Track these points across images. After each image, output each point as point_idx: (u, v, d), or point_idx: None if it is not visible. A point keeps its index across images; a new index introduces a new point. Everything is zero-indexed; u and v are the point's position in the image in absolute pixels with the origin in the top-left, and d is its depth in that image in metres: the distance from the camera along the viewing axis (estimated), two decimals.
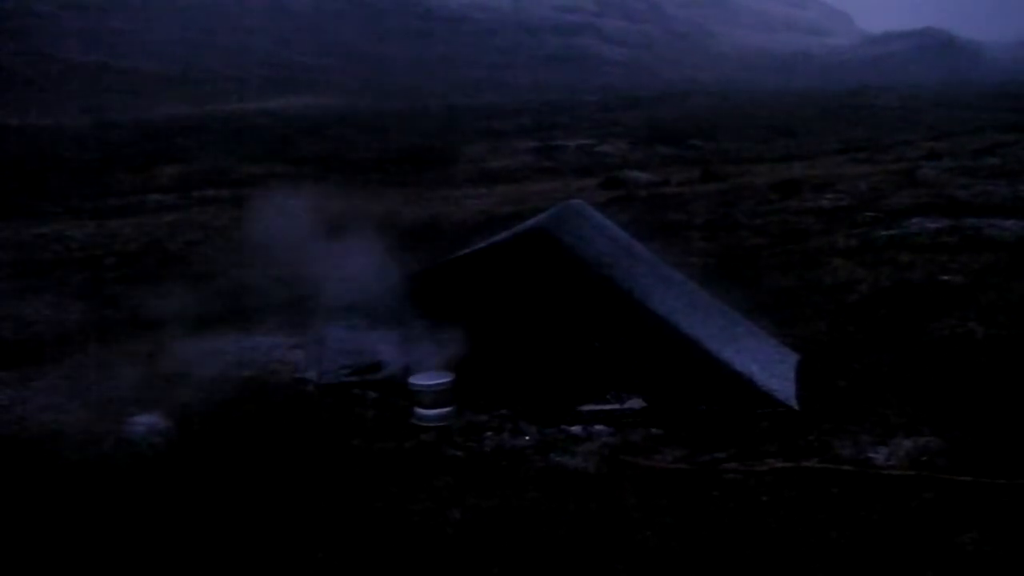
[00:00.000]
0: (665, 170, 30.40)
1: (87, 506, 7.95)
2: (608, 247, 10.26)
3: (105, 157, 38.37)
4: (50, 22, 50.01)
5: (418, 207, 26.99)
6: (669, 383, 9.38)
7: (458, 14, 46.62)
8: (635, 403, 9.36)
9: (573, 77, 41.18)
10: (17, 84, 44.45)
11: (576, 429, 9.15)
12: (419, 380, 9.46)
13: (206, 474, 8.51)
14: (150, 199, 33.56)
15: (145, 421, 10.01)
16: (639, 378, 9.45)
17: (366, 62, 46.71)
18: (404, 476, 8.32)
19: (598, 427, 9.17)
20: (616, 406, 9.34)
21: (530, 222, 10.37)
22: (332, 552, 7.04)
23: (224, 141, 40.11)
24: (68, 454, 9.50)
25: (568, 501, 7.66)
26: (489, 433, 9.12)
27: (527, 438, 8.99)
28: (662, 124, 37.53)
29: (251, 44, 48.83)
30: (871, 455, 8.38)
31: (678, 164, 31.01)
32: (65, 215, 30.14)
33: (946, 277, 14.83)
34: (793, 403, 9.35)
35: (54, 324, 15.43)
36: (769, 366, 9.91)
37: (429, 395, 9.33)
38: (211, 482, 8.31)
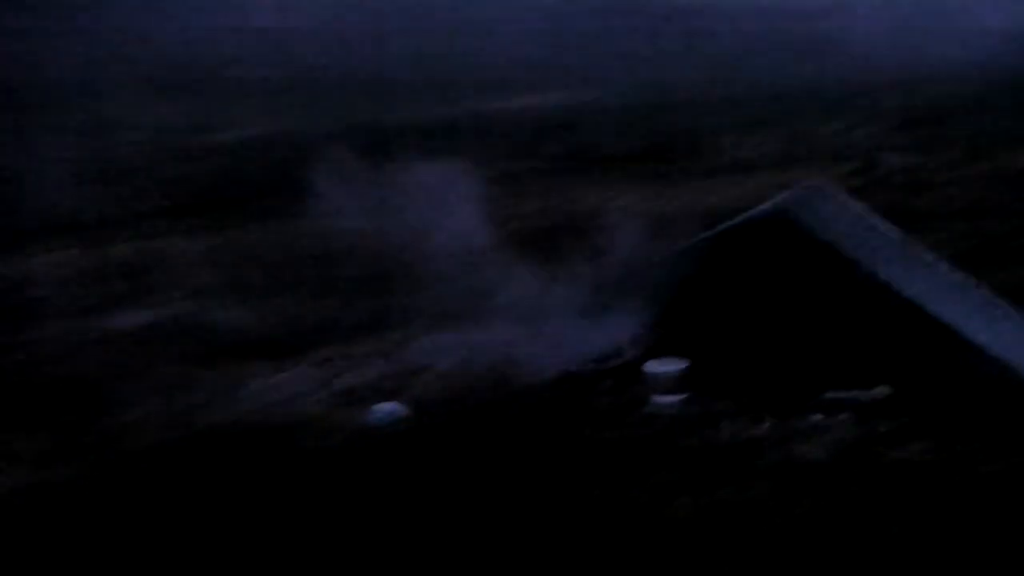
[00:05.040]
0: (923, 153, 28.85)
1: (317, 492, 8.02)
2: (852, 228, 9.75)
3: (356, 159, 39.30)
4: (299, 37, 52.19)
5: (667, 199, 26.54)
6: (918, 369, 8.81)
7: (697, 3, 45.88)
8: (881, 391, 8.83)
9: (821, 61, 39.78)
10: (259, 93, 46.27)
11: (817, 418, 8.71)
12: (654, 367, 9.23)
13: (438, 462, 8.54)
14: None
15: (385, 409, 10.15)
16: (886, 364, 8.91)
17: (610, 56, 46.47)
18: (632, 466, 8.10)
19: (841, 416, 8.69)
20: (861, 394, 8.81)
21: (769, 204, 9.95)
22: (544, 541, 6.89)
23: (472, 142, 40.48)
24: (308, 442, 9.80)
25: (802, 495, 7.28)
26: (725, 422, 8.78)
27: (764, 427, 8.60)
28: (919, 106, 35.64)
29: (491, 44, 49.41)
30: None
31: (937, 147, 29.32)
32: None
33: None
34: None
35: (314, 318, 15.73)
36: None
37: (664, 382, 9.09)
38: (441, 470, 8.32)
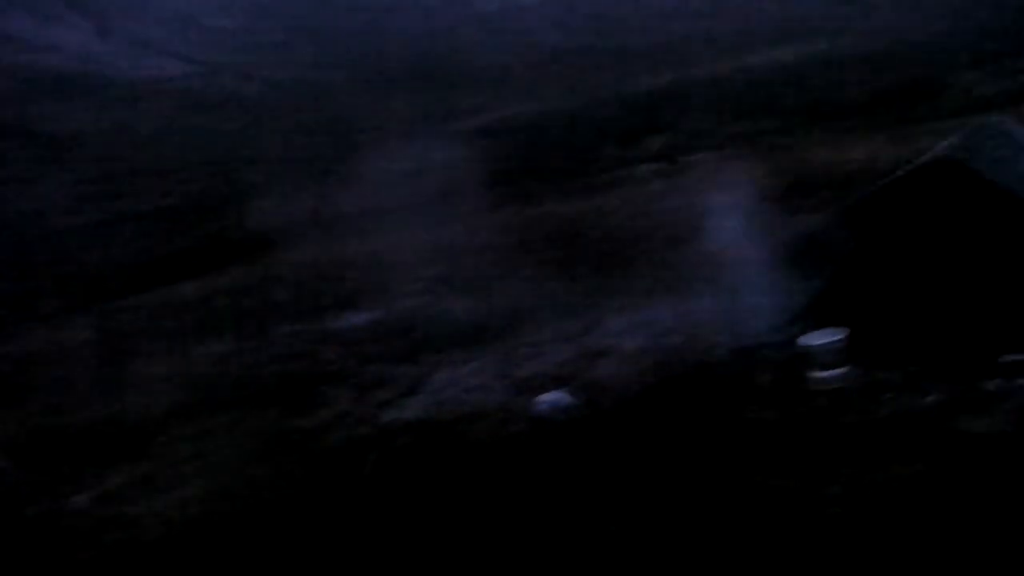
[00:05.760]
0: None
1: (478, 486, 8.09)
2: None
3: (596, 134, 39.35)
4: (526, 15, 52.38)
5: (900, 147, 25.07)
6: None
7: None
8: None
9: None
10: (499, 76, 46.66)
11: (993, 385, 7.88)
12: (809, 340, 8.59)
13: (600, 451, 8.34)
14: (639, 170, 33.89)
15: (551, 399, 9.99)
16: None
17: (844, 4, 44.48)
18: (789, 448, 7.56)
19: (1021, 381, 7.83)
20: None
21: (939, 149, 9.10)
22: (700, 529, 6.51)
23: (706, 104, 39.82)
24: (477, 434, 9.82)
25: (966, 473, 6.56)
26: (888, 394, 8.07)
27: (931, 398, 7.85)
28: None
29: (723, 2, 48.27)
30: None
31: None
32: (556, 195, 30.96)
33: None
34: None
35: (508, 303, 15.71)
36: None
37: (821, 355, 8.45)
38: (604, 459, 8.12)
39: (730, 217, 11.27)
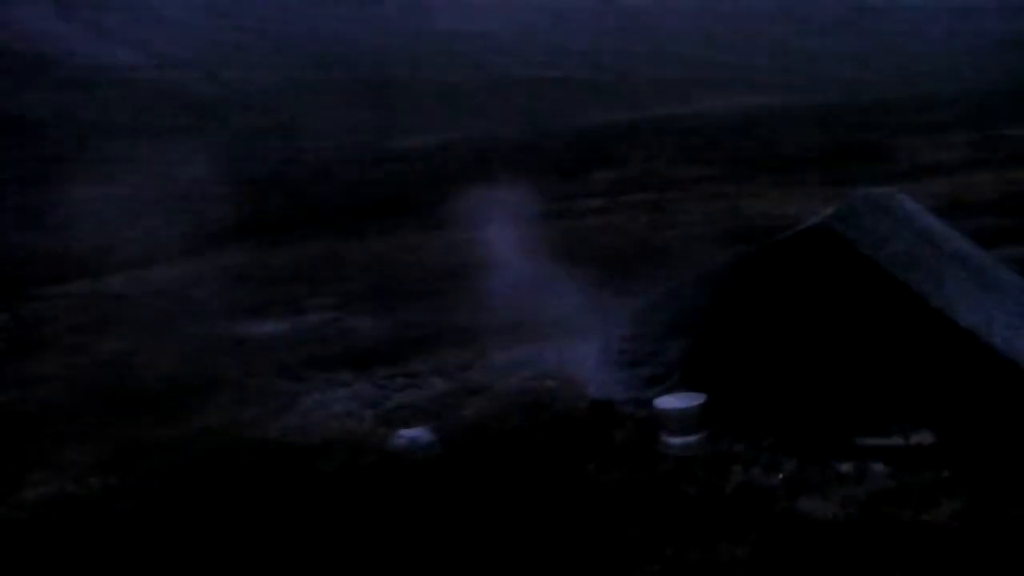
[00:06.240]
0: None
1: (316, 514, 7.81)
2: (913, 245, 8.51)
3: (540, 165, 39.27)
4: (487, 40, 52.27)
5: (833, 206, 25.02)
6: (970, 411, 7.55)
7: (893, 2, 43.24)
8: (924, 437, 7.62)
9: (1017, 61, 37.21)
10: (449, 97, 46.56)
11: (846, 467, 7.58)
12: (665, 402, 8.25)
13: (440, 493, 8.06)
14: (579, 204, 33.71)
15: (410, 435, 9.71)
16: (933, 406, 7.69)
17: (793, 57, 44.71)
18: (621, 514, 7.21)
19: (875, 466, 7.54)
20: (900, 441, 7.63)
21: (818, 217, 8.82)
22: None
23: (654, 145, 39.95)
24: (327, 463, 9.48)
25: (790, 561, 6.23)
26: (737, 467, 7.74)
27: (780, 476, 7.53)
28: None
29: (678, 48, 48.26)
30: None
31: None
32: (489, 222, 30.61)
33: None
34: None
35: (410, 327, 15.42)
36: None
37: (674, 420, 8.10)
38: (441, 502, 7.85)
39: (644, 263, 10.93)
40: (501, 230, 27.45)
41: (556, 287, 14.84)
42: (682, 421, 8.06)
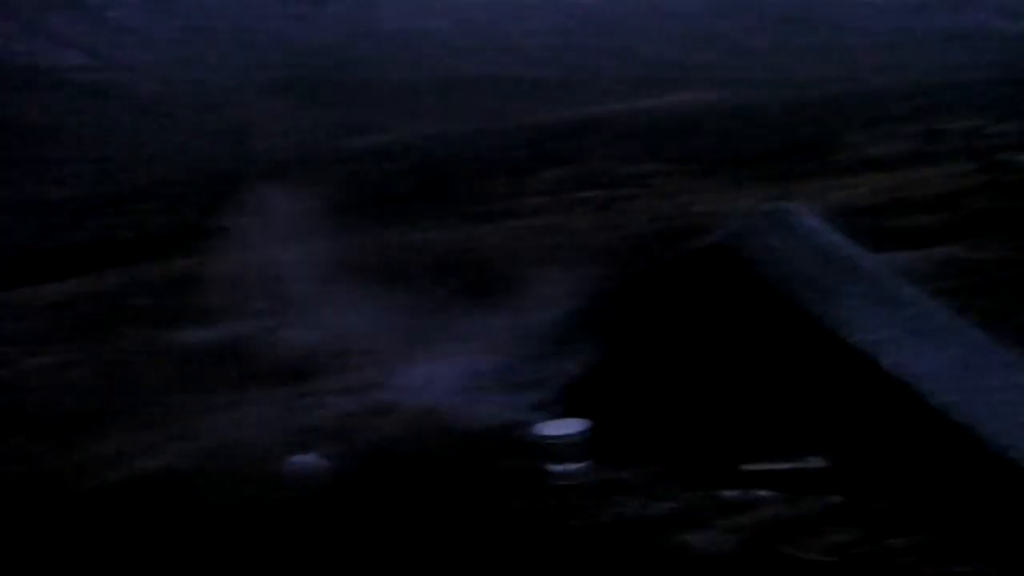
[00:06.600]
0: None
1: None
2: (810, 262, 8.22)
3: (490, 163, 39.08)
4: (438, 38, 51.94)
5: (788, 201, 24.86)
6: (861, 437, 7.27)
7: None
8: (815, 462, 7.33)
9: (966, 55, 37.14)
10: (401, 96, 46.29)
11: (733, 494, 7.28)
12: (547, 429, 7.94)
13: (328, 525, 7.74)
14: (525, 203, 33.49)
15: (302, 462, 9.38)
16: (824, 428, 7.41)
17: (745, 54, 44.60)
18: (493, 548, 6.89)
19: (763, 493, 7.25)
20: (789, 466, 7.35)
21: (715, 233, 8.53)
22: None
23: (604, 143, 39.80)
24: (212, 492, 9.15)
25: None
26: (621, 497, 7.43)
27: (664, 505, 7.23)
28: None
29: (629, 45, 48.05)
30: None
31: None
32: (438, 221, 30.42)
33: None
34: None
35: (337, 337, 15.09)
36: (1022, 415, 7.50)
37: (557, 448, 7.78)
38: (325, 534, 7.54)
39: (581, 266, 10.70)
40: (438, 233, 27.31)
41: (480, 297, 14.63)
42: (565, 448, 7.75)
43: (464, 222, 29.06)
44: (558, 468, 7.72)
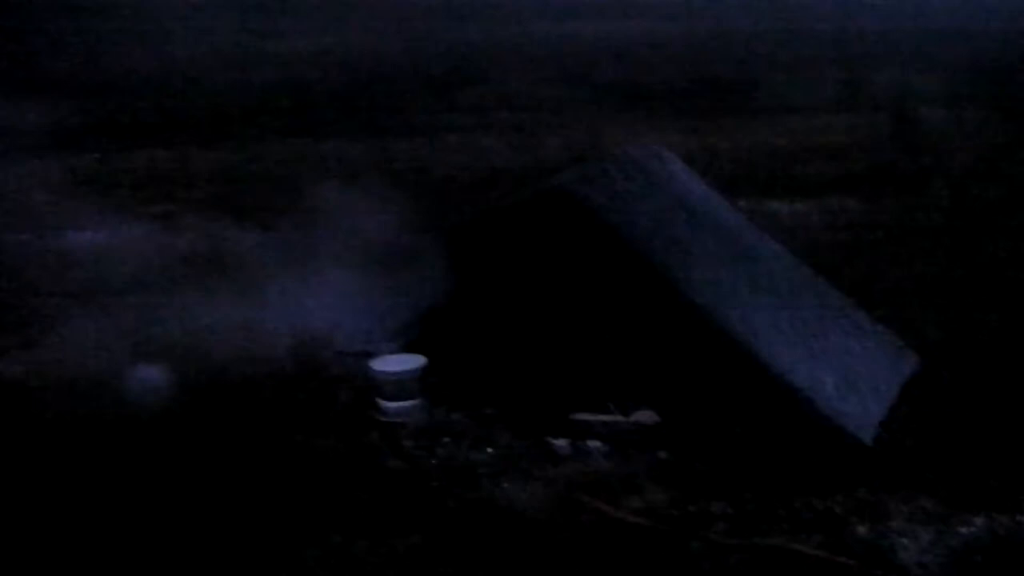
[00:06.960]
0: (956, 109, 26.62)
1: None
2: (663, 210, 8.03)
3: (412, 81, 38.41)
4: None
5: (702, 138, 24.65)
6: (693, 394, 7.15)
7: None
8: (646, 416, 7.21)
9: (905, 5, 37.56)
10: (328, 6, 45.49)
11: (561, 443, 7.15)
12: (380, 364, 7.72)
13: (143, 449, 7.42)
14: (442, 120, 32.99)
15: (143, 376, 9.05)
16: (660, 383, 7.28)
17: None
18: (304, 490, 6.68)
19: (593, 443, 7.12)
20: (619, 418, 7.22)
21: (558, 177, 8.29)
22: None
23: (522, 65, 39.43)
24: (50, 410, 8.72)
25: (462, 558, 5.78)
26: (447, 439, 7.26)
27: (490, 451, 7.07)
28: (989, 59, 33.43)
29: None
30: (896, 545, 5.93)
31: (996, 102, 27.02)
32: (356, 134, 29.89)
33: None
34: (865, 436, 6.90)
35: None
36: (859, 379, 7.43)
37: (389, 384, 7.57)
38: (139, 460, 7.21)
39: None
40: (352, 147, 26.75)
41: (380, 216, 14.20)
42: (395, 386, 7.55)
43: (376, 136, 28.49)
44: (389, 406, 7.51)
